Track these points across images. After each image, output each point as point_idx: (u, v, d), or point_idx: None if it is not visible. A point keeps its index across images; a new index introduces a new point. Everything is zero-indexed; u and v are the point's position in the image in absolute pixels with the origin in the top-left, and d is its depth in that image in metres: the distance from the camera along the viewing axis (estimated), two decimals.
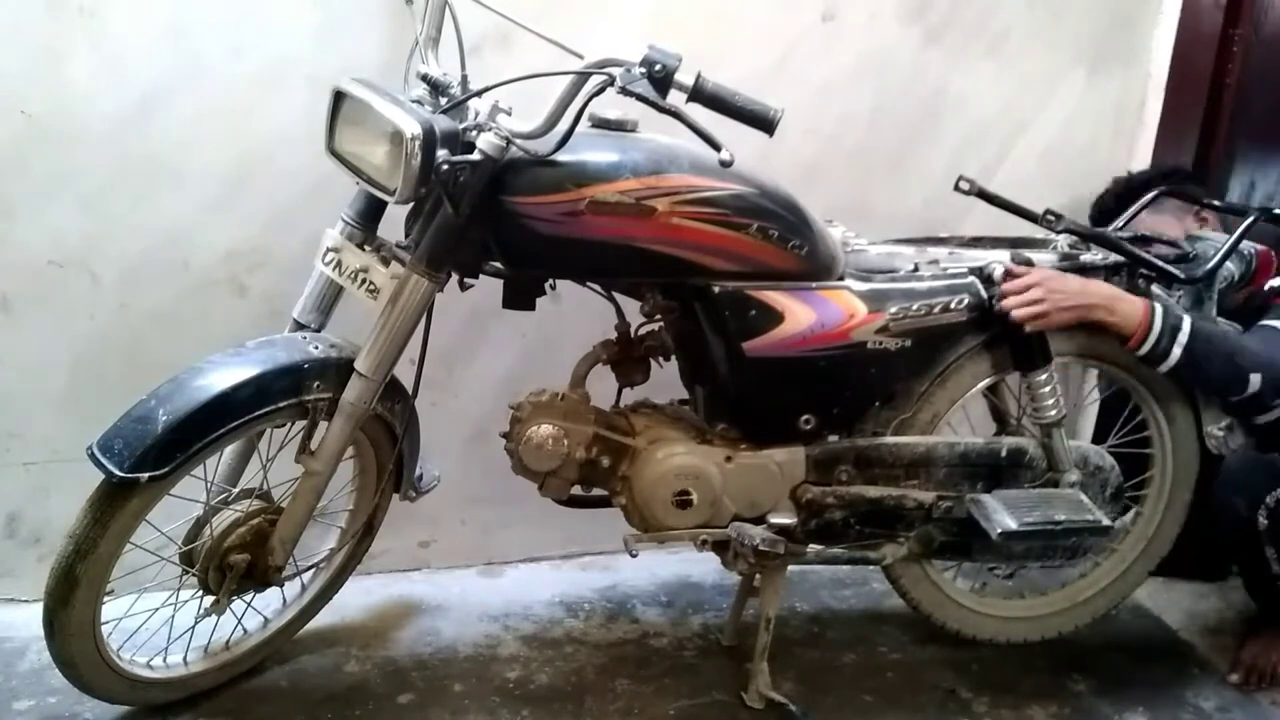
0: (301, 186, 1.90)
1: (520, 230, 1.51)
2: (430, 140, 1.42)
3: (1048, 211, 1.75)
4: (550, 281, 1.69)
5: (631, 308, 1.73)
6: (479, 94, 1.50)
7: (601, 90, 1.41)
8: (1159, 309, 1.71)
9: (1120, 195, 2.18)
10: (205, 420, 1.48)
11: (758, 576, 1.87)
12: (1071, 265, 1.81)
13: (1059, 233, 1.80)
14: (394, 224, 1.67)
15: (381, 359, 1.57)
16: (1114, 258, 1.82)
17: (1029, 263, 1.76)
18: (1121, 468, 1.93)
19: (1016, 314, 1.69)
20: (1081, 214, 2.30)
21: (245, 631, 1.82)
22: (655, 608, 2.18)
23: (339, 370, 1.58)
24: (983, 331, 1.77)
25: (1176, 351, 1.69)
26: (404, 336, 1.57)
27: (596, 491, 1.78)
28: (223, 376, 1.51)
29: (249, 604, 1.79)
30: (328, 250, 1.62)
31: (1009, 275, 1.72)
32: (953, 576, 2.00)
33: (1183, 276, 1.80)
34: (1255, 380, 1.69)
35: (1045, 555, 1.90)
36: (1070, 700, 1.95)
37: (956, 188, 1.74)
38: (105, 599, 1.56)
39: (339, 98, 1.52)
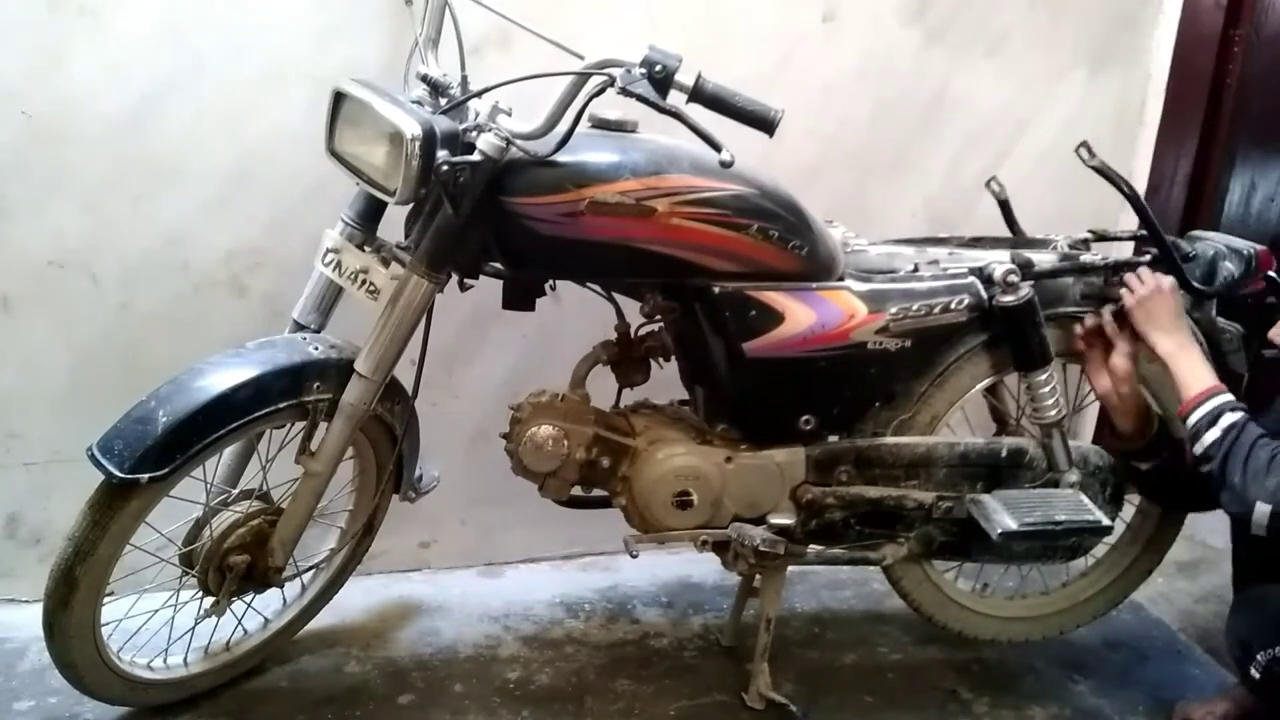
0: (301, 187, 1.90)
1: (520, 231, 1.51)
2: (430, 141, 1.42)
3: (1082, 144, 1.72)
4: (550, 282, 1.69)
5: (631, 308, 1.73)
6: (479, 94, 1.50)
7: (602, 91, 1.41)
8: (1225, 395, 1.60)
9: None
10: (205, 421, 1.48)
11: (758, 577, 1.87)
12: (1071, 265, 1.81)
13: (1091, 166, 1.73)
14: (394, 224, 1.67)
15: (381, 360, 1.56)
16: (1113, 258, 1.82)
17: (1029, 263, 1.76)
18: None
19: (1125, 296, 1.74)
20: (1080, 217, 2.29)
21: (245, 632, 1.82)
22: (656, 608, 2.18)
23: (339, 371, 1.58)
24: (983, 332, 1.77)
25: (1213, 435, 1.57)
26: (404, 337, 1.57)
27: (596, 492, 1.78)
28: (222, 377, 1.51)
29: (249, 605, 1.79)
30: (327, 251, 1.62)
31: (1137, 277, 1.74)
32: (953, 577, 2.00)
33: (1198, 286, 1.79)
34: (1261, 512, 1.50)
35: (1045, 555, 1.90)
36: (1070, 700, 1.95)
37: (988, 185, 1.74)
38: (105, 600, 1.56)
39: (339, 98, 1.52)
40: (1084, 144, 1.71)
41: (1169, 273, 1.79)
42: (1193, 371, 1.65)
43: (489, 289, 1.66)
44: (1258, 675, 1.58)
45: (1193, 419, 1.61)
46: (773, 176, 1.63)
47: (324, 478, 1.64)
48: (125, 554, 1.55)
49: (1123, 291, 1.75)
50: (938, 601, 1.94)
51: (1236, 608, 1.71)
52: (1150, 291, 1.72)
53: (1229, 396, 1.61)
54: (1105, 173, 1.73)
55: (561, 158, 1.48)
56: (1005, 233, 1.95)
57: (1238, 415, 1.58)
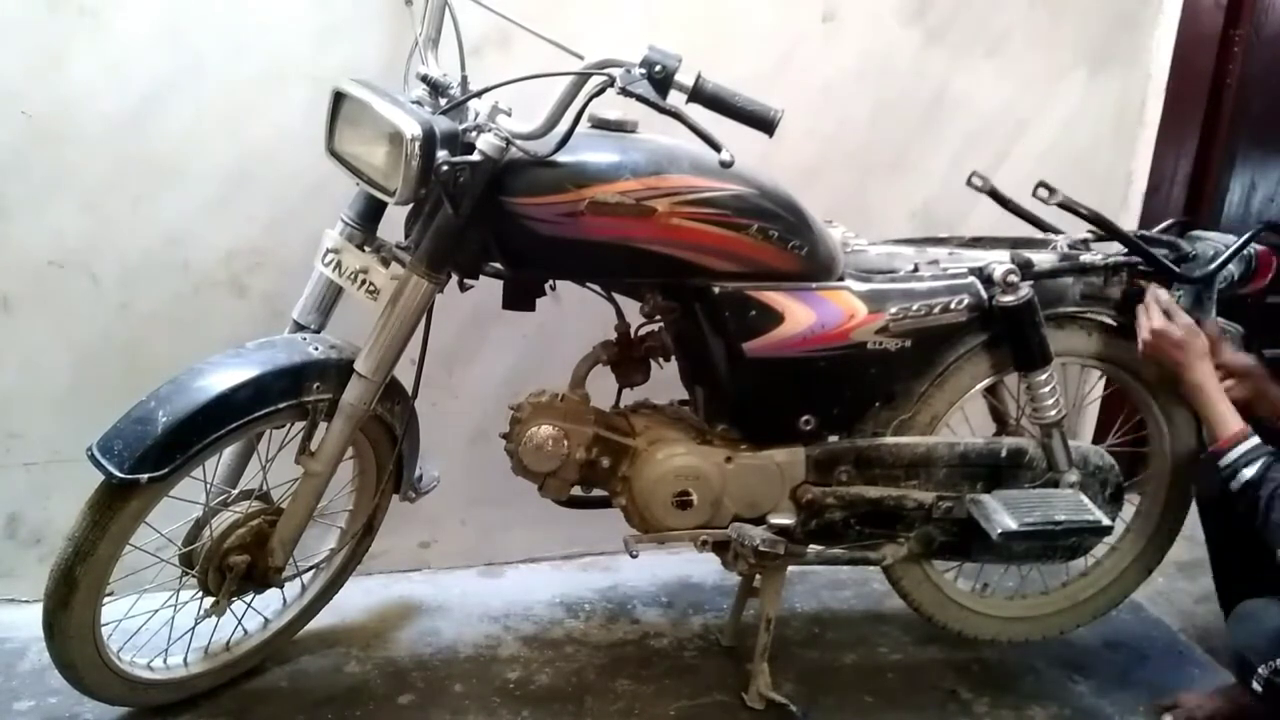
0: (301, 187, 1.90)
1: (520, 231, 1.51)
2: (430, 141, 1.42)
3: (1040, 183, 1.72)
4: (550, 282, 1.69)
5: (631, 308, 1.73)
6: (479, 95, 1.50)
7: (601, 91, 1.41)
8: (1249, 441, 1.65)
9: None
10: (205, 421, 1.48)
11: (758, 577, 1.87)
12: (1071, 265, 1.81)
13: (1051, 204, 1.74)
14: (394, 225, 1.67)
15: (381, 360, 1.57)
16: (1113, 258, 1.82)
17: (1029, 263, 1.76)
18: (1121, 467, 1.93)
19: (1141, 329, 1.76)
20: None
21: (245, 632, 1.82)
22: (656, 608, 2.18)
23: (339, 371, 1.58)
24: (983, 332, 1.77)
25: (1247, 474, 1.62)
26: (404, 337, 1.57)
27: (596, 492, 1.78)
28: (222, 378, 1.51)
29: (249, 605, 1.79)
30: (327, 251, 1.62)
31: (1166, 314, 1.74)
32: (953, 577, 2.00)
33: (1183, 273, 1.79)
34: None
35: (1045, 555, 1.90)
36: (1070, 700, 1.95)
37: (969, 183, 1.73)
38: (105, 601, 1.56)
39: (339, 98, 1.52)
40: (974, 173, 1.72)
41: (1133, 267, 1.81)
42: (1218, 413, 1.68)
43: (489, 289, 1.66)
44: (1259, 688, 1.59)
45: (1224, 462, 1.66)
46: (773, 176, 1.62)
47: (324, 478, 1.64)
48: (125, 554, 1.55)
49: (1141, 339, 1.76)
50: (938, 601, 1.94)
51: (1234, 623, 1.72)
52: (1161, 323, 1.73)
53: (1253, 442, 1.64)
54: (1068, 206, 1.73)
55: (561, 158, 1.48)
56: (1005, 233, 1.94)
57: (1253, 470, 1.62)
